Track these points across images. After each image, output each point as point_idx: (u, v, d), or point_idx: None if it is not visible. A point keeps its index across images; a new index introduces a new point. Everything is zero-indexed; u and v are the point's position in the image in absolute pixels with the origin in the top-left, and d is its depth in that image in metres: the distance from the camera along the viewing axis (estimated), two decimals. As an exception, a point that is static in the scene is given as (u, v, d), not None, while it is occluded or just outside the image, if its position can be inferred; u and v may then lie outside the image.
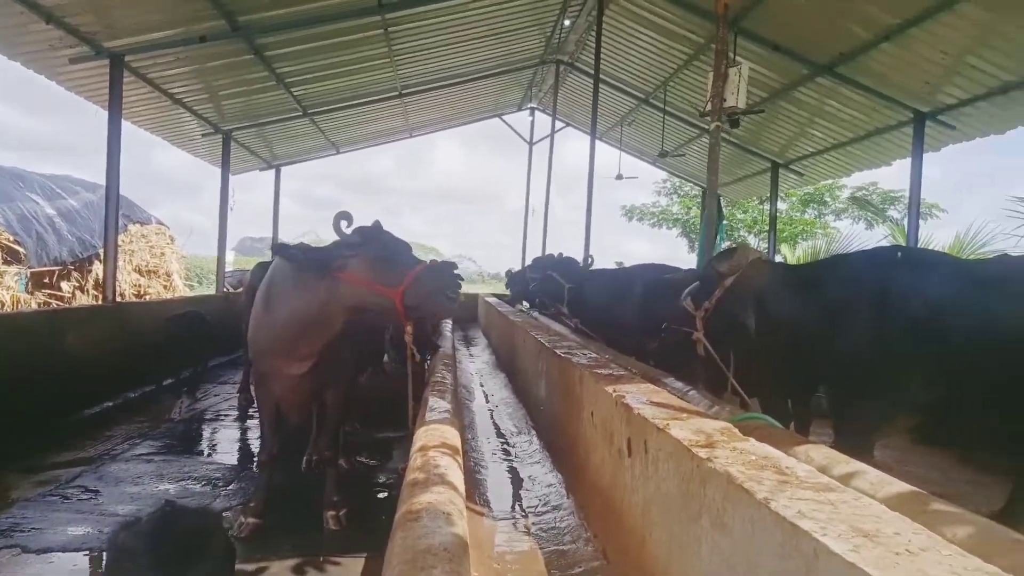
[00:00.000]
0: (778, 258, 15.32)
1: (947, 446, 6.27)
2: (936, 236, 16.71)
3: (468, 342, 13.70)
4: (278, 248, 3.75)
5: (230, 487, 4.94)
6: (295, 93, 10.98)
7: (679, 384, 5.33)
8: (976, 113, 8.51)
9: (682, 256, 19.13)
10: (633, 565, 2.84)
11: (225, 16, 7.75)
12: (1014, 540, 2.27)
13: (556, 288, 8.11)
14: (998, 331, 3.61)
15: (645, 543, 2.70)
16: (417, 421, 3.86)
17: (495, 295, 16.23)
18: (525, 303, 11.50)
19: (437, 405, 4.18)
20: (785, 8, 8.27)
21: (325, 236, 34.16)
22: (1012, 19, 6.69)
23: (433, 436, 3.27)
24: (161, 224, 15.94)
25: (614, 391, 3.29)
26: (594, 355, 4.86)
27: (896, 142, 10.12)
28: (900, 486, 2.77)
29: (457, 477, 2.74)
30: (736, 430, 2.51)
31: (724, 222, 16.14)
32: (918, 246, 9.34)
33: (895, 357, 3.89)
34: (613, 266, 12.55)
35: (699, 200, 17.52)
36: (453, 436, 3.41)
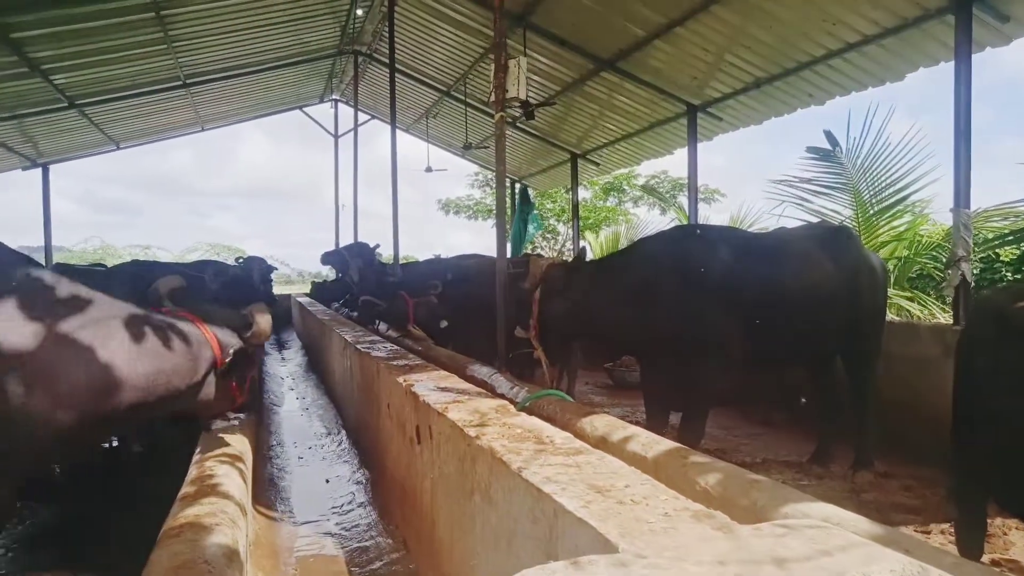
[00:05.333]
0: (582, 243, 16.17)
1: (735, 403, 6.99)
2: (715, 218, 18.65)
3: (280, 345, 13.15)
4: None
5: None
6: (56, 81, 9.78)
7: (485, 369, 5.48)
8: (737, 106, 9.52)
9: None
10: (426, 549, 2.87)
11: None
12: (751, 481, 2.58)
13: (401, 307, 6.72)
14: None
15: (435, 526, 2.75)
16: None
17: (307, 295, 15.63)
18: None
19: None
20: (567, 6, 8.70)
21: (111, 241, 31.02)
22: (755, 22, 7.56)
23: (213, 445, 3.08)
24: None
25: (404, 380, 3.30)
26: (394, 348, 4.84)
27: (675, 133, 11.05)
28: (667, 444, 3.03)
29: (235, 485, 2.60)
30: (511, 406, 2.62)
31: (535, 212, 16.79)
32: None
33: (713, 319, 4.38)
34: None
35: (511, 192, 18.03)
36: (239, 443, 3.23)
